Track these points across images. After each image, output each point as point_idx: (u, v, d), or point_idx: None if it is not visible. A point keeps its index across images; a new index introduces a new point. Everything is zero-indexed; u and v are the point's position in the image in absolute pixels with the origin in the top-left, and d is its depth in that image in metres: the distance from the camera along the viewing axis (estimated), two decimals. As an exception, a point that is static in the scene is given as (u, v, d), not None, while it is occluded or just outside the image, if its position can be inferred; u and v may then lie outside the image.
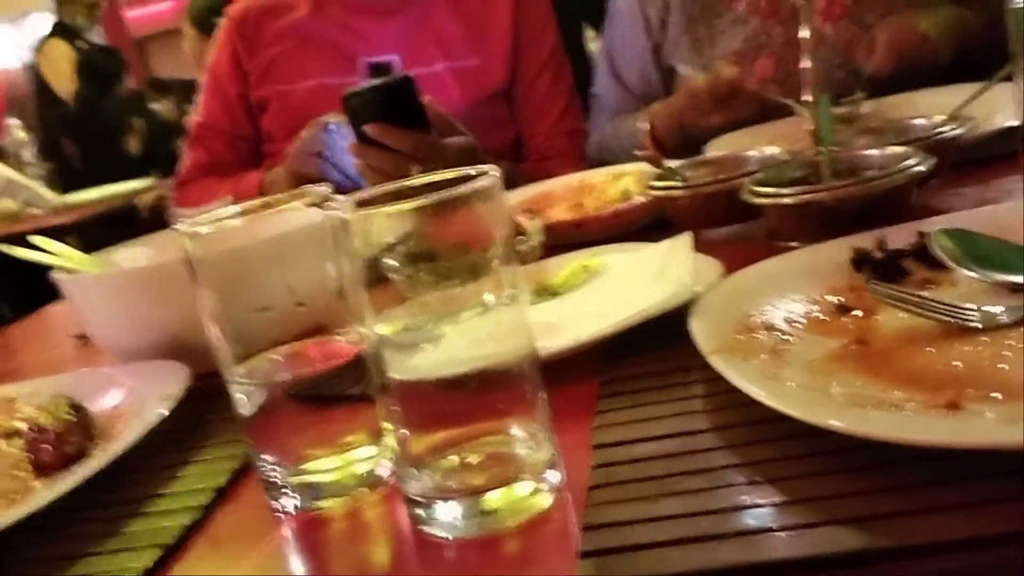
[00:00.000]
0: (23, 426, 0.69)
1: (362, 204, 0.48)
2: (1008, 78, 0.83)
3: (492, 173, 0.48)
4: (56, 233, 0.87)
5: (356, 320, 0.50)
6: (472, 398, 0.49)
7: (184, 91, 4.26)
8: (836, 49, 1.27)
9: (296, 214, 0.56)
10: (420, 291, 0.49)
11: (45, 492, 0.60)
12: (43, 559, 0.56)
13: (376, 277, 0.48)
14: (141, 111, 4.41)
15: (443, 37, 1.58)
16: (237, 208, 0.56)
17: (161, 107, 4.41)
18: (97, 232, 3.32)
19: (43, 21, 5.02)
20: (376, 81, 1.25)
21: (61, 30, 4.52)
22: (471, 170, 0.48)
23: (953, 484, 0.42)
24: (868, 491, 0.44)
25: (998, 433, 0.43)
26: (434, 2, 1.60)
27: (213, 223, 0.55)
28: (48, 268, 0.87)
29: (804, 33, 0.81)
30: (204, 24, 2.69)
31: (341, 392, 0.54)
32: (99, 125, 4.34)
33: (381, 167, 1.21)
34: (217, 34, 1.71)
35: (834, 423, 0.46)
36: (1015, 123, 0.85)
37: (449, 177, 0.49)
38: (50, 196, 3.80)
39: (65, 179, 4.22)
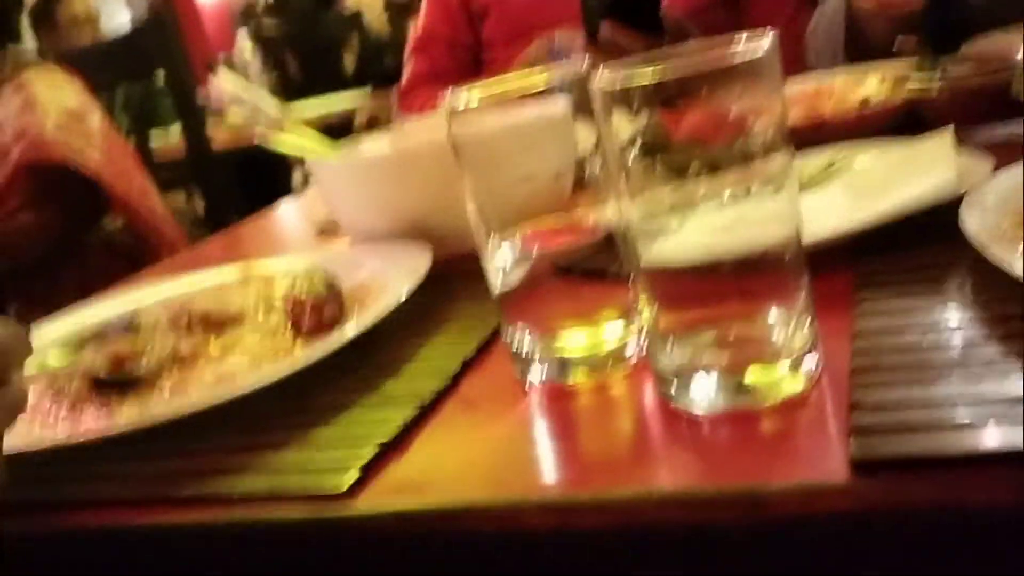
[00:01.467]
0: (282, 300, 0.74)
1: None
2: None
3: (764, 42, 0.46)
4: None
5: (613, 199, 0.50)
6: (730, 282, 0.49)
7: (400, 10, 4.37)
8: None
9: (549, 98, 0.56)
10: (680, 179, 0.49)
11: (308, 351, 0.64)
12: (308, 409, 0.60)
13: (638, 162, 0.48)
14: (358, 27, 4.56)
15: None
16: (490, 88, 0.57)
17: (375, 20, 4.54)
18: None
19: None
20: None
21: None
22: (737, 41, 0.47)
23: None
24: None
25: None
26: None
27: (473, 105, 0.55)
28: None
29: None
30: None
31: (602, 268, 0.54)
32: (318, 40, 4.54)
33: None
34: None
35: None
36: None
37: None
38: (272, 108, 4.02)
39: (287, 91, 4.45)
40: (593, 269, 0.54)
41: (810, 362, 0.49)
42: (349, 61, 4.54)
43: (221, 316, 0.75)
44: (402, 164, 0.82)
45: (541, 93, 0.54)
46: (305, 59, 4.62)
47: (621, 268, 0.53)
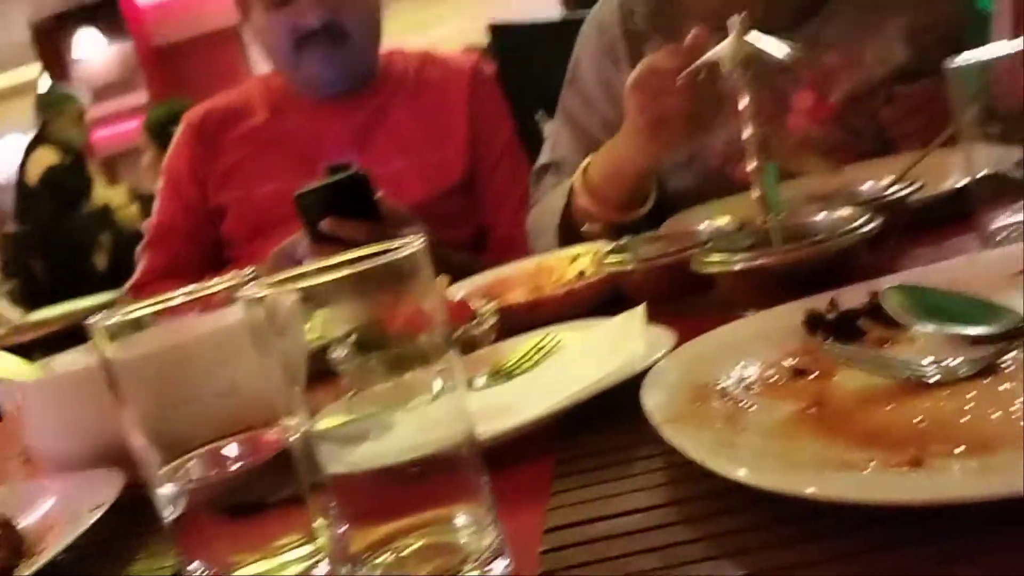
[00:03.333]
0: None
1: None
2: (953, 141, 0.83)
3: (414, 242, 0.46)
4: (21, 351, 0.85)
5: (287, 415, 0.47)
6: (413, 487, 0.47)
7: (147, 205, 4.27)
8: (822, 152, 1.16)
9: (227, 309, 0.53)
10: (362, 381, 0.47)
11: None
12: None
13: (318, 371, 0.46)
14: (108, 225, 4.40)
15: (401, 134, 1.59)
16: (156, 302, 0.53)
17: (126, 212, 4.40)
18: (63, 349, 3.27)
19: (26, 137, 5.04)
20: (326, 179, 1.25)
21: (44, 141, 4.56)
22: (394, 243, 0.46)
23: (924, 544, 0.39)
24: (832, 558, 0.41)
25: (965, 487, 0.41)
26: (391, 100, 1.61)
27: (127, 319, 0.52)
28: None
29: (744, 102, 0.81)
30: (162, 135, 2.70)
31: (264, 496, 0.50)
32: (67, 241, 4.33)
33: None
34: (175, 139, 1.72)
35: (794, 488, 0.43)
36: (964, 183, 0.86)
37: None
38: (13, 315, 3.76)
39: (32, 296, 4.18)
40: (250, 502, 0.50)
41: (498, 567, 0.46)
42: (101, 260, 4.35)
43: None
44: (90, 381, 0.75)
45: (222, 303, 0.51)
46: (53, 262, 4.38)
47: (296, 489, 0.49)
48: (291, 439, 0.47)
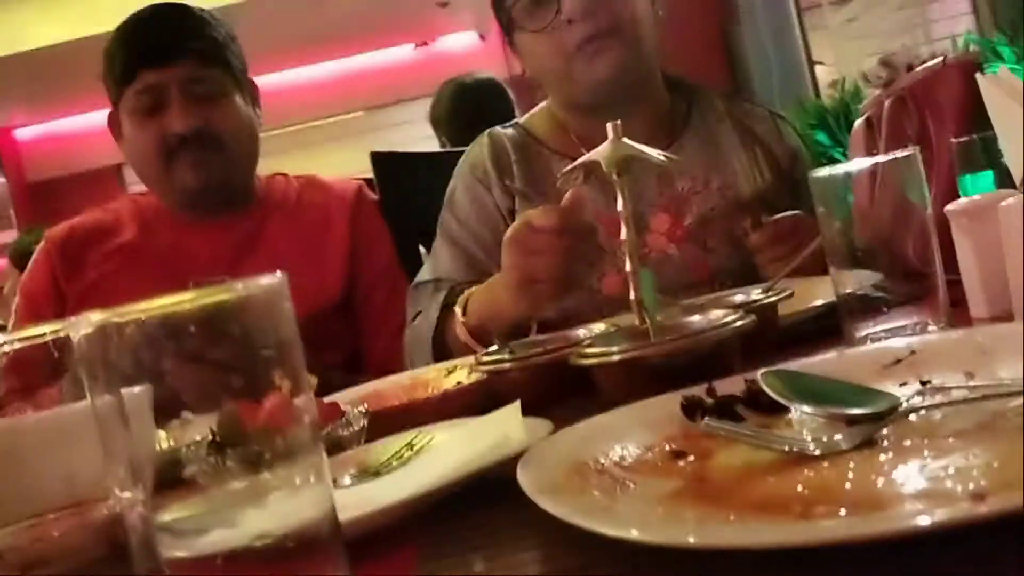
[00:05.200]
0: None
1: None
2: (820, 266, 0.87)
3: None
4: None
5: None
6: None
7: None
8: (680, 269, 1.25)
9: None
10: (216, 480, 0.42)
11: None
12: None
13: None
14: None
15: (277, 254, 1.55)
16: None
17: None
18: None
19: None
20: None
21: None
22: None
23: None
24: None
25: (852, 527, 0.39)
26: (267, 218, 1.58)
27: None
28: None
29: (621, 205, 0.82)
30: (24, 261, 2.57)
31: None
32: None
33: (197, 382, 1.12)
34: (35, 256, 1.63)
35: (675, 539, 0.40)
36: (830, 301, 0.88)
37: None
38: None
39: None
40: None
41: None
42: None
43: None
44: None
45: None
46: None
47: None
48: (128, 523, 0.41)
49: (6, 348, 0.52)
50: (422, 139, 3.42)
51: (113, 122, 1.54)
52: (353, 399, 1.04)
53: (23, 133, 7.50)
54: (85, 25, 5.49)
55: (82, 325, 0.41)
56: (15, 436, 0.49)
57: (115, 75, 1.48)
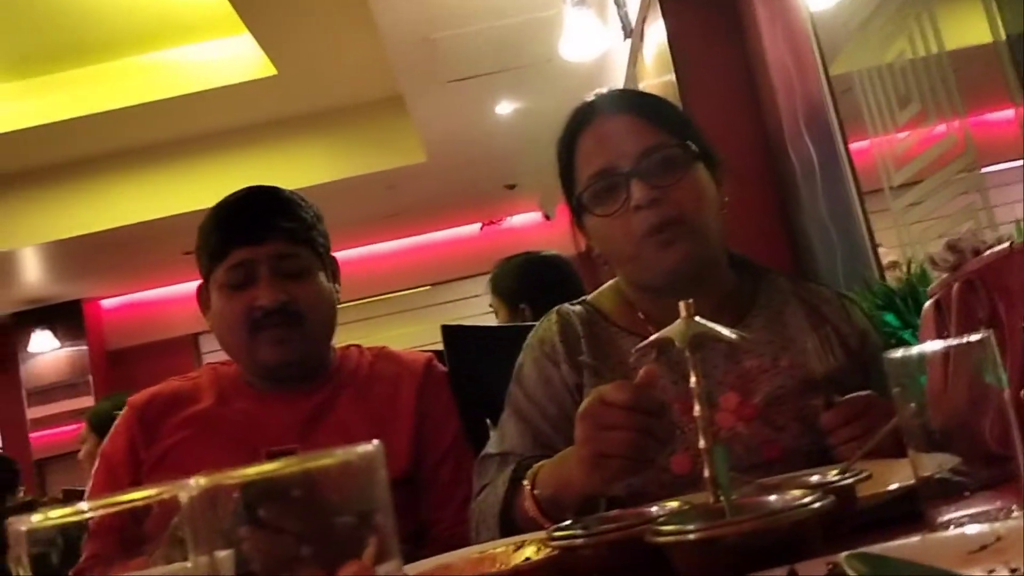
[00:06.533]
0: None
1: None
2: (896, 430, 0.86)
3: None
4: None
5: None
6: None
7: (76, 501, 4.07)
8: (749, 448, 1.25)
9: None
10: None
11: None
12: None
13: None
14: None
15: (346, 427, 1.58)
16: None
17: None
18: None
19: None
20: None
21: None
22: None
23: None
24: None
25: None
26: (338, 392, 1.62)
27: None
28: None
29: (694, 381, 0.83)
30: (103, 426, 2.63)
31: None
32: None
33: (271, 548, 1.13)
34: (116, 422, 1.68)
35: None
36: (911, 482, 0.87)
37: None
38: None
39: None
40: None
41: None
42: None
43: None
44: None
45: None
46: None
47: None
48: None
49: (90, 514, 0.54)
50: (485, 313, 3.50)
51: (202, 295, 1.62)
52: (422, 573, 1.03)
53: (108, 303, 7.87)
54: (172, 204, 5.86)
55: (191, 487, 0.43)
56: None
57: (209, 251, 1.57)
